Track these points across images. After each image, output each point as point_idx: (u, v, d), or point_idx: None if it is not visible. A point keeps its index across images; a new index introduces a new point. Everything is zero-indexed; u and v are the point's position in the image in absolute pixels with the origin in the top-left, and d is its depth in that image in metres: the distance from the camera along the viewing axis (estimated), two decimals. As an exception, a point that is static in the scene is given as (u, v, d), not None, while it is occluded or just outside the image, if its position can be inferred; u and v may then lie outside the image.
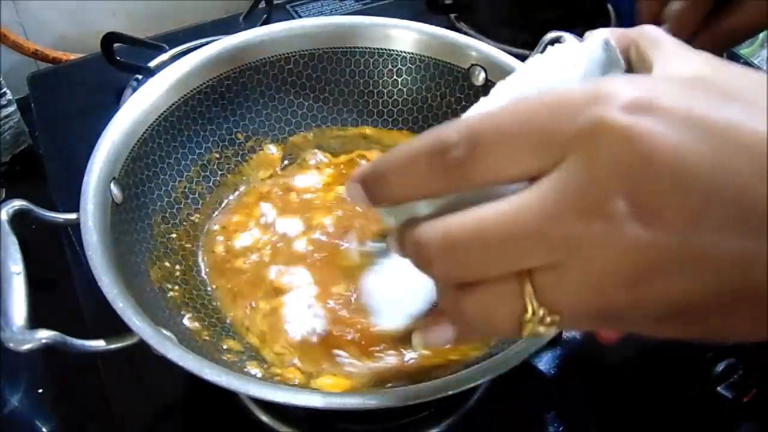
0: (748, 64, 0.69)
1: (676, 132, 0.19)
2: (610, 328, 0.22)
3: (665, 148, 0.19)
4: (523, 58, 0.49)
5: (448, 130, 0.22)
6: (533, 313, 0.21)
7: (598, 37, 0.27)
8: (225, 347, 0.40)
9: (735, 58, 0.68)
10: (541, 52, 0.50)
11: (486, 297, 0.22)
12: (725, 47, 0.43)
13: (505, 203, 0.21)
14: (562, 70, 0.26)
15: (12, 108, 0.61)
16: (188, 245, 0.46)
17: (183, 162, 0.48)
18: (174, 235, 0.45)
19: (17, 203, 0.39)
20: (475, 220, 0.21)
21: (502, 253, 0.21)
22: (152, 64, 0.64)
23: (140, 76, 0.63)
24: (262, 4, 0.69)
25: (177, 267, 0.44)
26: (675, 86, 0.21)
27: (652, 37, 0.26)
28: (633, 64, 0.27)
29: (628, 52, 0.27)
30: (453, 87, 0.52)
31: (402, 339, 0.40)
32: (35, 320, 0.33)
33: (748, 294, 0.19)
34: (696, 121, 0.19)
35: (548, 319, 0.21)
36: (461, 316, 0.23)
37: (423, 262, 0.23)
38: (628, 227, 0.19)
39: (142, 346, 0.33)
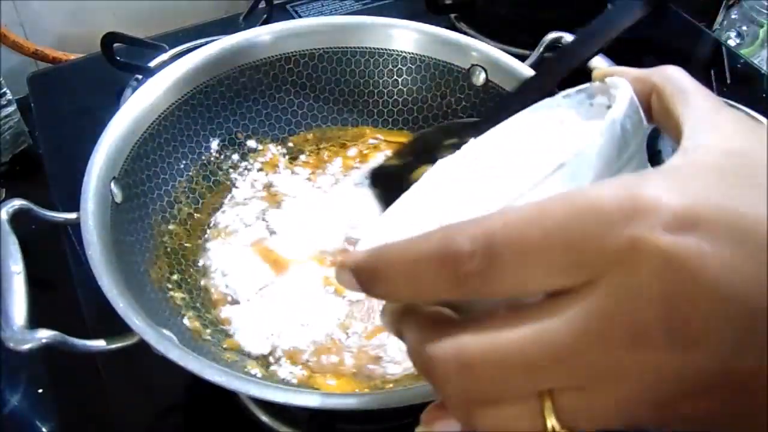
0: (748, 63, 0.69)
1: (721, 250, 0.17)
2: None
3: (710, 271, 0.17)
4: (523, 58, 0.50)
5: (462, 237, 0.19)
6: (552, 430, 0.20)
7: (623, 97, 0.23)
8: (225, 347, 0.40)
9: (735, 57, 0.68)
10: (541, 52, 0.51)
11: (504, 414, 0.20)
12: None
13: (528, 323, 0.19)
14: (586, 146, 0.22)
15: (12, 108, 0.61)
16: (188, 245, 0.46)
17: (183, 162, 0.48)
18: (174, 235, 0.45)
19: (17, 203, 0.39)
20: (493, 342, 0.19)
21: (524, 378, 0.19)
22: (152, 64, 0.64)
23: (140, 76, 0.63)
24: (262, 4, 0.68)
25: (177, 267, 0.44)
26: (714, 181, 0.19)
27: (679, 86, 0.24)
28: (654, 114, 0.25)
29: (648, 98, 0.25)
30: (453, 87, 0.52)
31: None
32: (35, 320, 0.33)
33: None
34: (742, 234, 0.17)
35: None
36: (474, 428, 0.21)
37: (436, 381, 0.20)
38: (665, 355, 0.18)
39: (142, 346, 0.33)
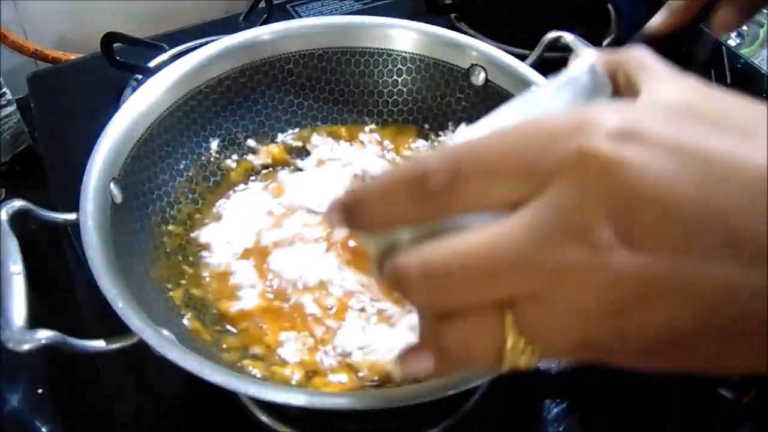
0: (748, 63, 0.69)
1: (661, 160, 0.19)
2: (595, 360, 0.21)
3: (651, 177, 0.19)
4: (522, 58, 0.50)
5: (430, 158, 0.21)
6: (513, 344, 0.21)
7: (584, 61, 0.26)
8: (225, 347, 0.40)
9: (735, 57, 0.68)
10: (541, 52, 0.51)
11: (466, 327, 0.21)
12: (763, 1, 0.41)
13: (485, 231, 0.20)
14: (548, 99, 0.25)
15: (12, 108, 0.61)
16: (188, 245, 0.46)
17: (183, 162, 0.48)
18: (174, 235, 0.45)
19: (17, 203, 0.39)
20: (453, 248, 0.21)
21: (482, 282, 0.20)
22: (152, 64, 0.64)
23: (140, 76, 0.63)
24: (262, 4, 0.69)
25: (177, 267, 0.44)
26: (660, 113, 0.21)
27: (640, 60, 0.25)
28: (620, 88, 0.26)
29: (615, 75, 0.26)
30: (453, 87, 0.51)
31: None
32: (35, 320, 0.33)
33: (739, 324, 0.19)
34: (681, 150, 0.19)
35: (529, 350, 0.21)
36: (440, 346, 0.22)
37: (402, 290, 0.22)
38: (613, 255, 0.19)
39: (142, 346, 0.33)
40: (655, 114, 0.20)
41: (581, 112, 0.20)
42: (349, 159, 0.51)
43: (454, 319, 0.22)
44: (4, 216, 0.38)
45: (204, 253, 0.46)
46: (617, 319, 0.19)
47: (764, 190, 0.18)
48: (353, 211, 0.23)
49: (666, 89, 0.23)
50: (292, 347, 0.41)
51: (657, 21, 0.39)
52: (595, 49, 0.28)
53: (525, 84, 0.47)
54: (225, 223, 0.47)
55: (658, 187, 0.18)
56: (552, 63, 0.49)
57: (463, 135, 0.26)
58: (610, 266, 0.19)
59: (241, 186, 0.50)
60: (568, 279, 0.19)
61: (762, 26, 0.72)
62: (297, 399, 0.32)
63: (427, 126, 0.53)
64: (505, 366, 0.22)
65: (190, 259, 0.45)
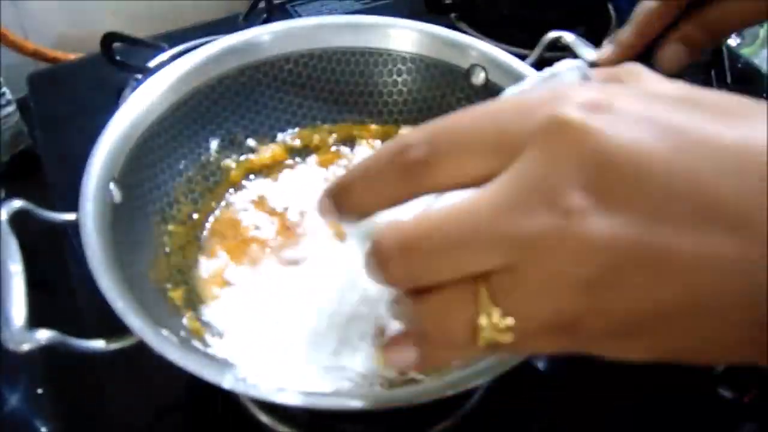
0: (748, 63, 0.69)
1: (632, 129, 0.19)
2: (571, 345, 0.21)
3: (622, 143, 0.18)
4: (523, 58, 0.50)
5: (409, 134, 0.22)
6: (488, 318, 0.20)
7: (571, 62, 0.26)
8: (225, 347, 0.40)
9: (735, 57, 0.68)
10: (541, 52, 0.51)
11: (440, 301, 0.21)
12: (713, 38, 0.41)
13: (459, 204, 0.20)
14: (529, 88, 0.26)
15: (11, 108, 0.61)
16: (188, 245, 0.46)
17: (183, 162, 0.48)
18: (174, 235, 0.45)
19: (17, 203, 0.39)
20: (429, 219, 0.21)
21: (455, 254, 0.20)
22: (152, 64, 0.64)
23: (140, 76, 0.63)
24: (262, 4, 0.68)
25: (177, 267, 0.44)
26: (634, 93, 0.21)
27: (633, 69, 0.25)
28: None
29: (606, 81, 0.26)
30: (453, 87, 0.51)
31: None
32: (35, 320, 0.33)
33: (717, 298, 0.18)
34: (653, 121, 0.19)
35: (503, 325, 0.20)
36: (419, 331, 0.22)
37: (380, 265, 0.22)
38: (585, 221, 0.18)
39: (142, 346, 0.33)
40: (629, 92, 0.21)
41: (554, 89, 0.21)
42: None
43: (429, 295, 0.21)
44: (4, 216, 0.38)
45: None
46: (590, 291, 0.19)
47: (742, 164, 0.18)
48: (340, 196, 0.24)
49: (651, 82, 0.23)
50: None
51: (603, 54, 0.39)
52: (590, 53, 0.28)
53: (525, 84, 0.47)
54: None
55: (629, 152, 0.18)
56: (552, 63, 0.49)
57: None
58: (582, 232, 0.18)
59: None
60: (540, 248, 0.19)
61: (762, 26, 0.72)
62: (297, 399, 0.32)
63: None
64: (482, 342, 0.21)
65: (190, 259, 0.45)
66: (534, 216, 0.19)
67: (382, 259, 0.22)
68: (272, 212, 0.48)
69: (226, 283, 0.44)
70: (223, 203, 0.49)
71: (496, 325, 0.20)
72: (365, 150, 0.52)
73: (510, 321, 0.20)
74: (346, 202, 0.24)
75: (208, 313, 0.42)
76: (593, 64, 0.38)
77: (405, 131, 0.21)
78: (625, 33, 0.38)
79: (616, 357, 0.21)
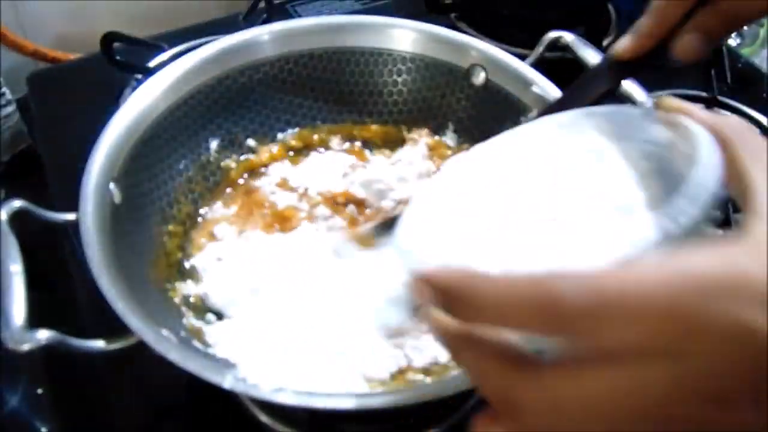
0: (748, 63, 0.69)
1: None
2: None
3: None
4: (523, 58, 0.50)
5: (566, 285, 0.20)
6: None
7: (708, 154, 0.23)
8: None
9: (736, 57, 0.68)
10: (541, 52, 0.51)
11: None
12: (731, 28, 0.40)
13: (620, 377, 0.20)
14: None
15: (11, 108, 0.61)
16: (188, 245, 0.46)
17: (182, 162, 0.48)
18: (174, 235, 0.45)
19: (17, 203, 0.39)
20: (588, 393, 0.21)
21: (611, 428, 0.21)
22: (152, 64, 0.64)
23: (140, 76, 0.63)
24: (262, 4, 0.68)
25: (177, 266, 0.44)
26: None
27: (751, 147, 0.24)
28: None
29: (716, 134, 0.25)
30: (453, 87, 0.51)
31: None
32: (35, 320, 0.33)
33: None
34: None
35: None
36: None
37: (521, 418, 0.22)
38: (749, 414, 0.19)
39: (142, 346, 0.33)
40: None
41: (729, 265, 0.20)
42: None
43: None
44: (4, 216, 0.38)
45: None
46: None
47: None
48: (459, 302, 0.22)
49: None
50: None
51: (622, 45, 0.39)
52: (690, 110, 0.26)
53: (525, 84, 0.47)
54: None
55: None
56: (552, 63, 0.50)
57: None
58: (745, 424, 0.19)
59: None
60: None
61: (762, 26, 0.72)
62: (297, 399, 0.32)
63: (427, 126, 0.53)
64: None
65: (190, 259, 0.45)
66: (702, 407, 0.20)
67: (523, 416, 0.21)
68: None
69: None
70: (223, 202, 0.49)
71: None
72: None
73: None
74: (463, 310, 0.22)
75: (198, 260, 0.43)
76: (613, 63, 0.38)
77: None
78: (643, 23, 0.37)
79: None
